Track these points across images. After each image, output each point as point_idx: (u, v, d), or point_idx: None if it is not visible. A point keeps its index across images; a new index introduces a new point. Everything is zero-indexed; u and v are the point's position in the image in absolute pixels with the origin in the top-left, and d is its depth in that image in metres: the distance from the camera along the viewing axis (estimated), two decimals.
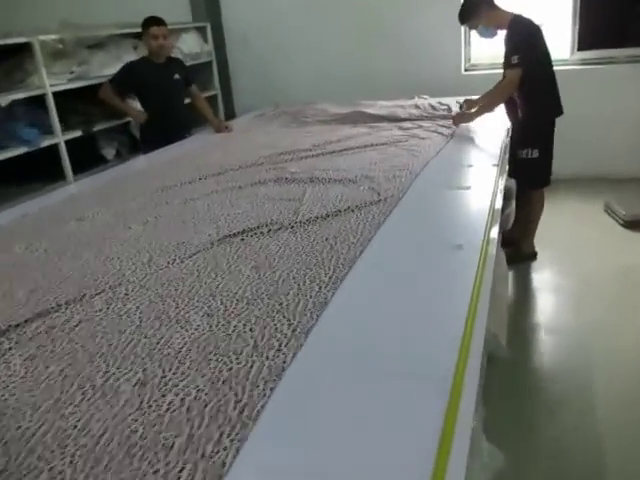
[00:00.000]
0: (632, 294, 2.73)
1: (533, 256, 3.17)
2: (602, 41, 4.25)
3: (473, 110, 3.05)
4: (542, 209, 3.09)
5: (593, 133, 4.08)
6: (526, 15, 2.88)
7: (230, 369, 1.07)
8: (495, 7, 2.92)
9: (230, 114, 5.05)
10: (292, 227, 1.76)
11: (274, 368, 1.06)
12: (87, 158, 3.68)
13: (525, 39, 2.79)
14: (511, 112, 3.02)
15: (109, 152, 3.80)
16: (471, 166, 2.35)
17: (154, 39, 3.27)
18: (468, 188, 2.03)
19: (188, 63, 4.29)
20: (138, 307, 1.35)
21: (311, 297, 1.30)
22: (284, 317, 1.23)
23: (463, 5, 2.99)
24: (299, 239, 1.66)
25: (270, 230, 1.74)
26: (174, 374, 1.07)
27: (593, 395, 2.13)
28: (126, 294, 1.43)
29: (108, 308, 1.36)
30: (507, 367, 2.25)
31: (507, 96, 2.92)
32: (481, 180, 2.13)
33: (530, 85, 2.85)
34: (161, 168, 2.80)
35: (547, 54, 2.86)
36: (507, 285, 2.62)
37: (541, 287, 2.95)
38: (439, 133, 2.94)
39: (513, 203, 3.37)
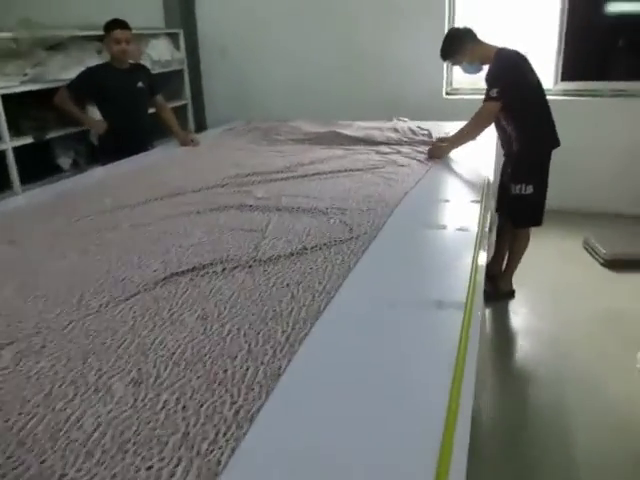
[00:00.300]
0: (614, 341, 2.58)
1: (511, 294, 3.01)
2: (586, 73, 4.17)
3: (445, 144, 2.87)
4: (526, 247, 2.93)
5: (574, 165, 3.97)
6: (511, 47, 2.74)
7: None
8: (479, 42, 2.76)
9: (201, 126, 4.83)
10: (250, 266, 1.54)
11: None
12: (41, 167, 3.41)
13: (508, 71, 2.63)
14: (505, 144, 2.86)
15: (65, 162, 3.53)
16: (449, 201, 2.17)
17: (116, 43, 3.04)
18: (446, 228, 1.84)
19: (157, 71, 4.08)
20: (53, 366, 1.11)
21: (262, 364, 1.08)
22: (226, 391, 1.00)
23: (445, 41, 2.82)
24: (257, 282, 1.44)
25: (225, 269, 1.52)
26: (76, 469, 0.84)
27: (574, 459, 1.96)
28: (42, 347, 1.18)
29: (17, 365, 1.12)
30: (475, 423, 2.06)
31: (482, 130, 2.74)
32: (462, 218, 1.95)
33: (522, 116, 2.70)
34: (116, 184, 2.56)
35: (538, 83, 2.72)
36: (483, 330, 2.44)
37: (519, 331, 2.77)
38: (418, 161, 2.76)
39: (493, 235, 3.21)
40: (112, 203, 2.22)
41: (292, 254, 1.60)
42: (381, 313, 1.29)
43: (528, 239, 2.91)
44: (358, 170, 2.59)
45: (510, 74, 2.62)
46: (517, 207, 2.83)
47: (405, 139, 3.23)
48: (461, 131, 2.78)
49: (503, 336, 2.72)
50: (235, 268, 1.53)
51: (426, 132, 3.35)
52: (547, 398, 2.26)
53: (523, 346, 2.62)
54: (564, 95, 4.15)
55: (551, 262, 3.38)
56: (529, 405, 2.24)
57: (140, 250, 1.70)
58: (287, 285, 1.41)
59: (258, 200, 2.16)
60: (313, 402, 1.00)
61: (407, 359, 1.12)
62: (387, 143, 3.18)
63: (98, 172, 3.00)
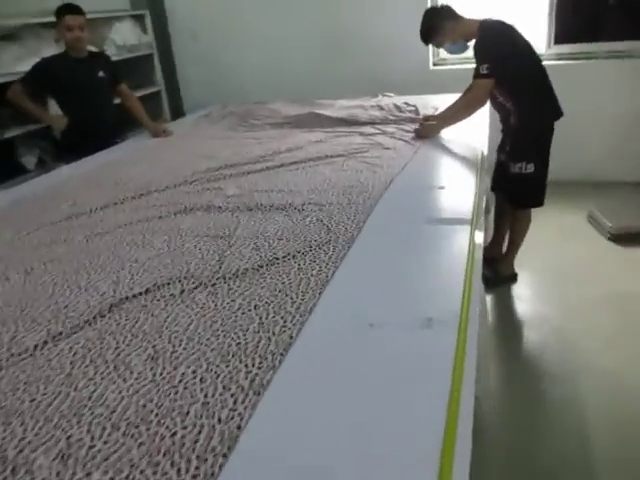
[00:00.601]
0: (625, 326, 2.40)
1: (513, 278, 2.82)
2: (579, 35, 3.92)
3: (434, 122, 2.64)
4: (528, 229, 2.72)
5: (574, 133, 3.72)
6: (495, 17, 2.49)
7: None
8: (459, 18, 2.52)
9: (178, 112, 4.58)
10: (213, 284, 1.33)
11: None
12: (4, 168, 3.18)
13: (495, 44, 2.39)
14: (503, 120, 2.61)
15: (29, 161, 3.30)
16: (438, 186, 1.96)
17: (68, 30, 2.78)
18: (440, 222, 1.63)
19: (123, 56, 3.83)
20: None
21: (220, 422, 0.89)
22: (172, 465, 0.81)
23: (423, 24, 2.56)
24: (219, 305, 1.23)
25: (184, 290, 1.31)
26: None
27: (589, 460, 1.79)
28: None
29: None
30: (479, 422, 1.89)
31: (474, 110, 2.50)
32: (455, 205, 1.75)
33: (518, 89, 2.46)
34: (77, 185, 2.33)
35: (530, 51, 2.48)
36: (485, 324, 2.26)
37: (523, 318, 2.57)
38: (405, 141, 2.54)
39: (491, 216, 3.01)
40: (70, 209, 2.01)
41: (261, 266, 1.39)
42: (363, 334, 1.09)
43: (529, 220, 2.71)
44: (339, 156, 2.37)
45: (498, 46, 2.38)
46: (517, 188, 2.62)
47: (391, 117, 3.00)
48: (451, 109, 2.55)
49: (507, 324, 2.53)
50: (196, 288, 1.32)
51: (413, 108, 3.13)
52: (557, 392, 2.08)
53: (528, 335, 2.44)
54: (558, 59, 3.90)
55: (554, 239, 3.18)
56: (537, 400, 2.06)
57: (91, 267, 1.50)
58: (255, 307, 1.21)
59: (228, 199, 1.94)
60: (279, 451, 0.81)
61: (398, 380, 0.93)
62: (371, 123, 2.95)
63: (61, 172, 2.76)
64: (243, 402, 0.92)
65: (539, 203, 2.62)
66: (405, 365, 1.00)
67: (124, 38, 3.80)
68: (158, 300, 1.29)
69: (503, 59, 2.35)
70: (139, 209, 1.94)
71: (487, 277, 2.76)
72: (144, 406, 0.94)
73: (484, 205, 2.94)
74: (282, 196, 1.91)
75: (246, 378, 0.98)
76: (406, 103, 3.24)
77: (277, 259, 1.42)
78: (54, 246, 1.69)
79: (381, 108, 3.18)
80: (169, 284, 1.35)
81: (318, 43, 4.30)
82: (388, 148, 2.45)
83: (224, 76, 4.59)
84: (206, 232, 1.66)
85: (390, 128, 2.83)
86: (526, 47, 2.47)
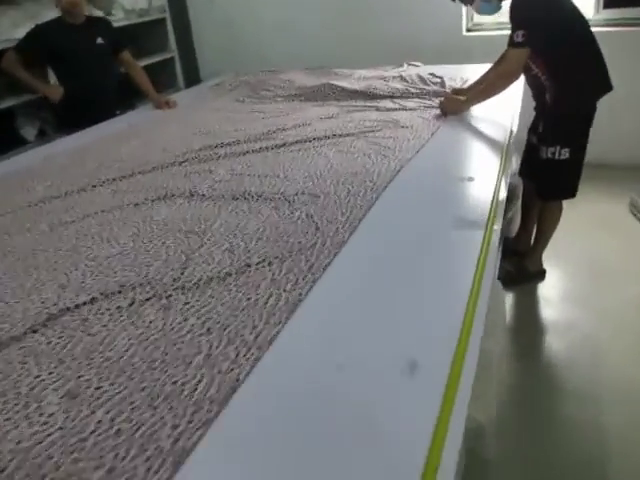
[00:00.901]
0: None
1: (540, 275, 2.53)
2: None
3: (462, 97, 2.35)
4: (558, 221, 2.42)
5: (619, 110, 3.36)
6: None
7: None
8: None
9: (193, 80, 4.35)
10: (169, 296, 1.12)
11: None
12: (3, 139, 3.03)
13: (534, 7, 2.05)
14: (537, 96, 2.29)
15: (29, 132, 3.14)
16: (471, 179, 1.64)
17: None
18: (449, 224, 1.37)
19: (133, 21, 3.59)
20: None
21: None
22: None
23: None
24: (167, 326, 1.03)
25: (133, 303, 1.11)
26: None
27: None
28: None
29: None
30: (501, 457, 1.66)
31: (508, 83, 2.18)
32: (471, 207, 1.48)
33: (557, 61, 2.12)
34: (63, 163, 2.15)
35: (577, 16, 2.14)
36: (502, 330, 2.00)
37: (548, 323, 2.29)
38: (424, 119, 2.26)
39: (518, 203, 2.72)
40: (44, 191, 1.83)
41: (229, 274, 1.18)
42: (330, 380, 0.87)
43: (560, 211, 2.40)
44: (348, 135, 2.12)
45: (536, 9, 2.05)
46: (548, 175, 2.31)
47: (413, 90, 2.71)
48: (481, 82, 2.25)
49: (527, 330, 2.25)
50: (148, 300, 1.11)
51: (438, 80, 2.82)
52: (583, 419, 1.81)
53: (552, 344, 2.16)
54: (606, 25, 3.48)
55: (590, 230, 2.86)
56: (559, 429, 1.79)
57: (43, 265, 1.31)
58: (207, 331, 1.00)
59: (215, 184, 1.72)
60: None
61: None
62: (390, 96, 2.67)
63: (54, 147, 2.58)
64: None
65: (571, 194, 2.32)
66: (378, 419, 0.78)
67: (133, 1, 3.57)
68: (102, 314, 1.09)
69: (542, 25, 2.03)
70: (116, 194, 1.74)
71: (509, 272, 2.49)
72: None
73: (511, 193, 2.68)
74: (274, 183, 1.68)
75: (168, 437, 0.77)
76: (432, 74, 2.93)
77: (249, 266, 1.20)
78: (13, 235, 1.51)
79: (403, 80, 2.89)
80: (120, 292, 1.15)
81: (341, 6, 3.97)
82: (405, 127, 2.18)
83: (242, 41, 4.33)
84: (180, 226, 1.45)
85: (411, 103, 2.55)
86: (571, 11, 2.13)
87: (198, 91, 3.41)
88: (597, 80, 2.19)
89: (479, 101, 2.28)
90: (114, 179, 1.86)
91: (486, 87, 2.24)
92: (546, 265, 2.54)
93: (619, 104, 3.16)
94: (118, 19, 3.50)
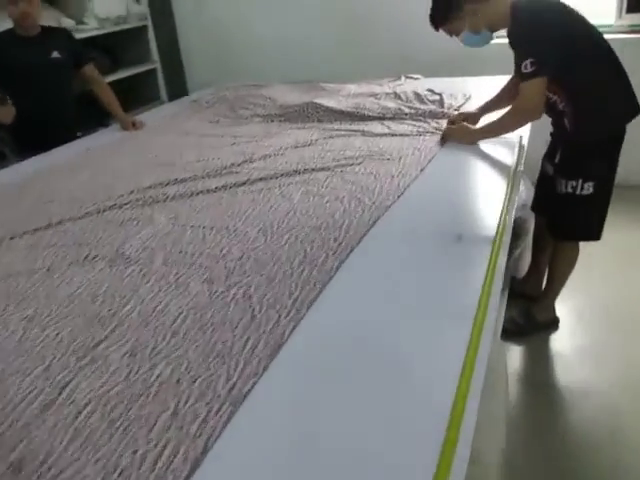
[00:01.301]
0: None
1: (553, 325, 2.19)
2: None
3: (473, 127, 2.01)
4: (574, 265, 2.07)
5: None
6: None
7: None
8: None
9: (179, 93, 4.04)
10: None
11: None
12: None
13: (539, 28, 1.70)
14: (555, 123, 1.95)
15: None
16: (460, 238, 1.31)
17: (11, 4, 2.28)
18: (448, 312, 1.05)
19: (108, 30, 3.30)
20: None
21: None
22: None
23: (434, 1, 1.87)
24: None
25: None
26: None
27: None
28: None
29: None
30: None
31: (529, 120, 1.85)
32: (467, 278, 1.15)
33: (575, 85, 1.79)
34: None
35: (591, 32, 1.80)
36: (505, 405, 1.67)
37: (558, 388, 1.93)
38: (415, 149, 1.93)
39: (528, 239, 2.38)
40: None
41: (73, 439, 0.85)
42: None
43: (577, 252, 2.06)
44: (322, 169, 1.80)
45: (541, 30, 1.70)
46: (566, 213, 1.96)
47: (407, 110, 2.38)
48: (500, 122, 1.88)
49: (533, 397, 1.91)
50: None
51: (437, 98, 2.49)
52: None
53: (562, 417, 1.81)
54: (630, 32, 3.13)
55: (612, 267, 2.51)
56: None
57: None
58: None
59: (148, 240, 1.41)
60: None
61: None
62: (381, 118, 2.35)
63: (5, 174, 2.30)
64: None
65: (595, 236, 1.97)
66: None
67: (108, 9, 3.27)
68: None
69: (550, 46, 1.69)
70: (33, 250, 1.43)
71: (516, 322, 2.16)
72: None
73: (519, 227, 2.34)
74: (218, 240, 1.37)
75: None
76: (430, 90, 2.60)
77: (151, 386, 0.89)
78: None
79: (397, 97, 2.56)
80: None
81: (337, 14, 3.65)
82: (390, 159, 1.85)
83: (233, 51, 4.03)
84: (86, 307, 1.14)
85: (403, 126, 2.22)
86: (581, 24, 1.79)
87: (176, 108, 3.10)
88: (623, 101, 1.84)
89: (492, 136, 1.94)
90: (36, 229, 1.55)
91: (502, 122, 1.86)
92: (559, 311, 2.19)
93: None
94: (91, 28, 3.22)
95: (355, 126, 2.28)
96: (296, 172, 1.80)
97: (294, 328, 1.00)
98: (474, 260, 1.19)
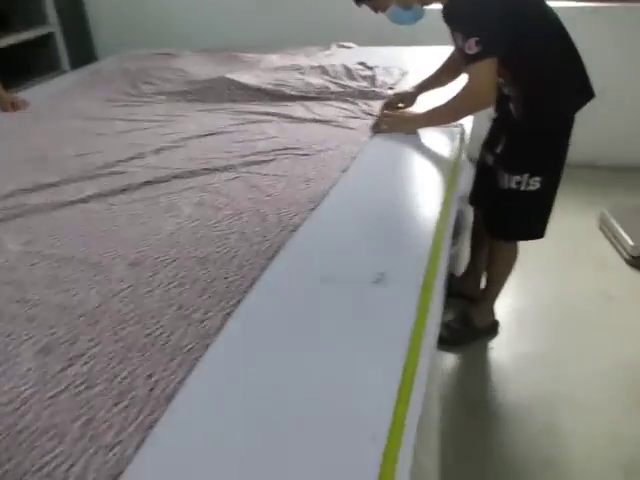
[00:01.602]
0: None
1: (492, 329, 1.98)
2: None
3: (414, 113, 1.73)
4: (514, 263, 1.86)
5: (599, 104, 2.80)
6: None
7: None
8: None
9: (86, 59, 3.56)
10: None
11: None
12: None
13: (485, 3, 1.42)
14: (498, 106, 1.64)
15: None
16: (379, 280, 1.01)
17: None
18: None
19: None
20: None
21: None
22: None
23: None
24: None
25: None
26: None
27: None
28: None
29: None
30: None
31: (478, 108, 1.55)
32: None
33: (523, 63, 1.51)
34: None
35: (541, 5, 1.53)
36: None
37: (496, 407, 1.73)
38: (339, 143, 1.63)
39: (466, 234, 2.16)
40: None
41: None
42: None
43: (516, 252, 1.84)
44: (225, 169, 1.49)
45: (489, 5, 1.41)
46: (509, 211, 1.72)
47: (334, 88, 2.07)
48: (446, 108, 1.58)
49: (469, 418, 1.70)
50: None
51: (369, 74, 2.19)
52: None
53: (499, 444, 1.62)
54: (584, 0, 2.90)
55: (555, 259, 2.33)
56: None
57: None
58: None
59: None
60: None
61: None
62: (303, 97, 2.03)
63: None
64: None
65: (538, 234, 1.76)
66: None
67: None
68: None
69: (494, 22, 1.40)
70: None
71: (453, 330, 1.95)
72: None
73: (457, 222, 2.11)
74: (59, 294, 1.03)
75: None
76: (362, 64, 2.30)
77: None
78: None
79: (324, 71, 2.24)
80: None
81: None
82: (307, 155, 1.56)
83: (147, 11, 3.57)
84: None
85: (328, 108, 1.93)
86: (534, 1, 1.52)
87: (75, 79, 2.66)
88: (575, 84, 1.60)
89: (436, 124, 1.67)
90: None
91: (449, 109, 1.57)
92: (499, 312, 1.99)
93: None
94: None
95: (273, 108, 1.96)
96: (192, 173, 1.47)
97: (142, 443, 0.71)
98: (397, 313, 0.93)
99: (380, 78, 2.12)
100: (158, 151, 1.64)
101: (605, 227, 2.47)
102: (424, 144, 1.63)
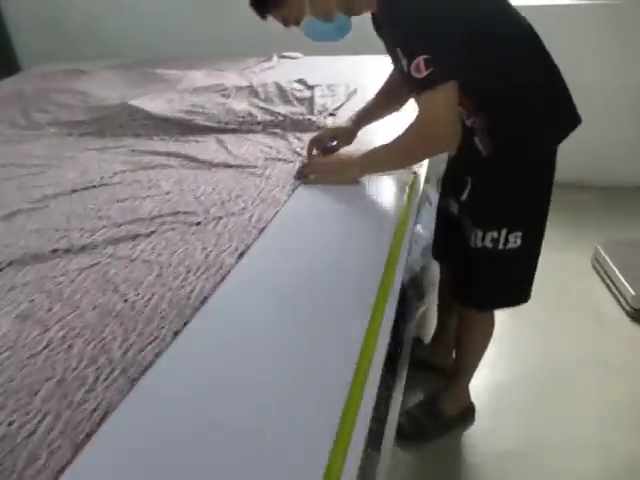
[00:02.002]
0: None
1: (467, 415, 1.58)
2: None
3: (352, 156, 1.30)
4: (491, 336, 1.47)
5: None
6: None
7: None
8: None
9: (6, 72, 3.12)
10: None
11: None
12: None
13: (434, 11, 1.00)
14: (463, 146, 1.14)
15: None
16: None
17: None
18: None
19: None
20: None
21: None
22: None
23: None
24: None
25: None
26: None
27: None
28: None
29: None
30: None
31: (440, 150, 1.18)
32: None
33: (492, 89, 1.11)
34: None
35: (507, 10, 1.12)
36: None
37: None
38: (250, 202, 1.22)
39: (434, 292, 1.76)
40: None
41: None
42: None
43: (493, 323, 1.44)
44: (83, 250, 1.07)
45: (439, 13, 1.00)
46: (484, 274, 1.32)
47: (261, 117, 1.66)
48: (396, 149, 1.16)
49: None
50: None
51: (308, 96, 1.78)
52: None
53: None
54: None
55: (540, 309, 1.93)
56: None
57: None
58: None
59: None
60: None
61: None
62: (221, 130, 1.62)
63: None
64: None
65: (521, 299, 1.36)
66: None
67: None
68: None
69: (454, 36, 1.01)
70: None
71: (418, 421, 1.55)
72: None
73: (419, 281, 1.71)
74: None
75: None
76: (301, 81, 1.90)
77: None
78: None
79: (253, 93, 1.83)
80: None
81: None
82: (203, 223, 1.14)
83: (69, 17, 3.16)
84: None
85: (248, 146, 1.51)
86: (494, 3, 1.12)
87: None
88: (558, 108, 1.19)
89: (384, 170, 1.27)
90: None
91: (399, 151, 1.17)
92: (474, 390, 1.60)
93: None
94: None
95: (179, 145, 1.55)
96: (35, 258, 1.06)
97: None
98: None
99: (320, 101, 1.71)
100: (9, 217, 1.23)
101: (600, 267, 2.09)
102: (363, 197, 1.23)
